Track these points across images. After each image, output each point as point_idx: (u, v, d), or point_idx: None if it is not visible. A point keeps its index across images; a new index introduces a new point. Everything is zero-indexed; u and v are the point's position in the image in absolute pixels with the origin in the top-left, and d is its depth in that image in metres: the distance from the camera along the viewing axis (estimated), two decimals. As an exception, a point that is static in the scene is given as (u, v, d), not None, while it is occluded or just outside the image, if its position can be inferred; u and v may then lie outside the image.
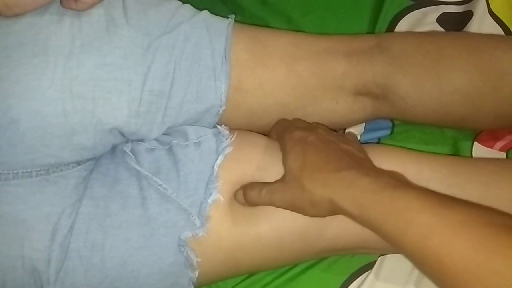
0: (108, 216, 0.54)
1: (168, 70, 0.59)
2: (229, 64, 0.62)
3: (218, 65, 0.61)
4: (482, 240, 0.41)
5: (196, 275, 0.56)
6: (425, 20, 0.76)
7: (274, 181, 0.55)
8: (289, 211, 0.54)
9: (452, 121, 0.67)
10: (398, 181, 0.50)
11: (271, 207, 0.54)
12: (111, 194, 0.55)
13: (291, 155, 0.55)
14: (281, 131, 0.60)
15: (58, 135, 0.54)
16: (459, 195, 0.52)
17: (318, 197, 0.50)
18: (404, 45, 0.66)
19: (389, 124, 0.73)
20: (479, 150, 0.71)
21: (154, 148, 0.59)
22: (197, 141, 0.58)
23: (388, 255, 0.65)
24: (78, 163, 0.57)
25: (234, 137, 0.59)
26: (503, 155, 0.70)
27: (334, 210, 0.50)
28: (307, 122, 0.64)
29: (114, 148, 0.60)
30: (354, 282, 0.64)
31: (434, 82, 0.64)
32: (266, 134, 0.64)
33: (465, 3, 0.75)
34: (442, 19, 0.76)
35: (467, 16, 0.75)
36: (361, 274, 0.65)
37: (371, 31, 0.77)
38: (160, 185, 0.55)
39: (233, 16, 0.66)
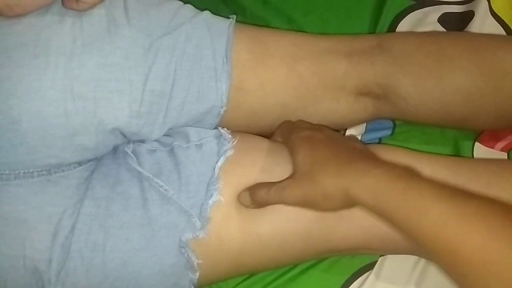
0: (109, 216, 0.54)
1: (169, 70, 0.59)
2: (230, 64, 0.62)
3: (219, 66, 0.61)
4: (498, 232, 0.41)
5: (197, 277, 0.56)
6: (426, 20, 0.76)
7: (283, 180, 0.54)
8: (290, 211, 0.54)
9: (453, 121, 0.67)
10: (413, 172, 0.49)
11: (273, 208, 0.54)
12: (112, 195, 0.55)
13: (301, 152, 0.54)
14: (286, 133, 0.60)
15: (60, 136, 0.54)
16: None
17: (331, 188, 0.49)
18: (405, 45, 0.66)
19: (390, 124, 0.73)
20: (480, 150, 0.71)
21: (155, 149, 0.59)
22: (198, 143, 0.58)
23: (389, 256, 0.65)
24: (80, 163, 0.57)
25: (236, 141, 0.58)
26: (504, 155, 0.70)
27: (348, 201, 0.49)
28: (311, 123, 0.64)
29: (115, 149, 0.60)
30: (355, 282, 0.64)
31: (435, 82, 0.64)
32: (267, 135, 0.64)
33: (467, 3, 0.75)
34: (444, 19, 0.76)
35: (469, 16, 0.74)
36: (362, 274, 0.65)
37: (372, 31, 0.77)
38: (161, 186, 0.55)
39: (234, 16, 0.66)
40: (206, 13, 0.64)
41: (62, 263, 0.54)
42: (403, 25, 0.76)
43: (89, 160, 0.58)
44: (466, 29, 0.74)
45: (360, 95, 0.66)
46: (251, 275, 0.65)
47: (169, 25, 0.61)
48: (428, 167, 0.59)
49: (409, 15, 0.76)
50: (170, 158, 0.57)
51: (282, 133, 0.62)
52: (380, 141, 0.72)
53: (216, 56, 0.62)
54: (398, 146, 0.67)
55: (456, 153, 0.70)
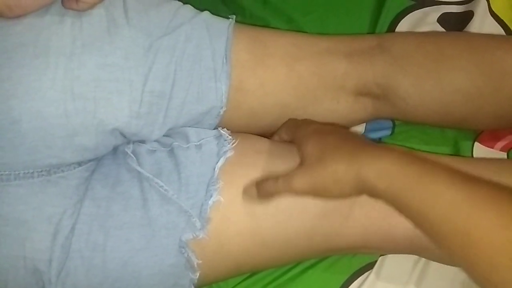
0: (109, 217, 0.55)
1: (169, 71, 0.59)
2: (230, 64, 0.62)
3: (219, 66, 0.61)
4: (510, 217, 0.41)
5: (197, 277, 0.56)
6: (426, 20, 0.76)
7: (291, 170, 0.53)
8: (292, 210, 0.54)
9: (453, 121, 0.67)
10: (425, 158, 0.49)
11: (275, 208, 0.54)
12: (112, 195, 0.55)
13: (310, 143, 0.54)
14: (293, 128, 0.59)
15: (60, 136, 0.54)
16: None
17: (342, 173, 0.49)
18: (404, 45, 0.66)
19: (390, 124, 0.73)
20: (480, 150, 0.71)
21: (155, 150, 0.59)
22: (198, 143, 0.58)
23: (389, 255, 0.65)
24: (80, 164, 0.57)
25: (236, 142, 0.58)
26: (504, 155, 0.71)
27: (358, 185, 0.48)
28: (316, 121, 0.64)
29: (115, 149, 0.60)
30: (355, 282, 0.65)
31: (434, 82, 0.64)
32: (267, 135, 0.64)
33: (466, 3, 0.75)
34: (443, 19, 0.76)
35: (468, 16, 0.75)
36: (362, 274, 0.65)
37: (372, 31, 0.77)
38: (161, 186, 0.55)
39: (234, 16, 0.66)
40: (206, 14, 0.64)
41: (62, 263, 0.54)
42: (403, 25, 0.77)
43: (89, 161, 0.58)
44: (465, 29, 0.74)
45: (360, 95, 0.66)
46: (252, 274, 0.65)
47: (168, 26, 0.61)
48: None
49: (408, 15, 0.77)
50: (170, 159, 0.57)
51: (289, 128, 0.61)
52: (380, 141, 0.72)
53: (216, 56, 0.62)
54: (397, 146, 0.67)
55: (456, 153, 0.71)
